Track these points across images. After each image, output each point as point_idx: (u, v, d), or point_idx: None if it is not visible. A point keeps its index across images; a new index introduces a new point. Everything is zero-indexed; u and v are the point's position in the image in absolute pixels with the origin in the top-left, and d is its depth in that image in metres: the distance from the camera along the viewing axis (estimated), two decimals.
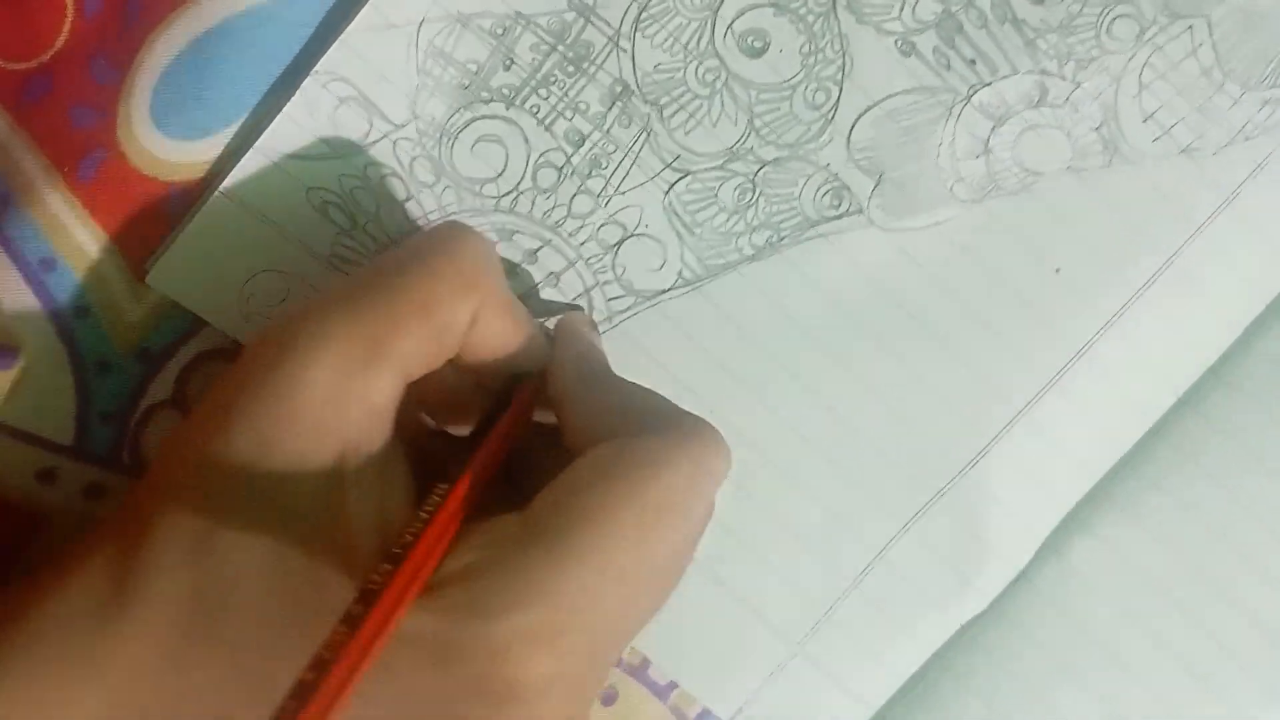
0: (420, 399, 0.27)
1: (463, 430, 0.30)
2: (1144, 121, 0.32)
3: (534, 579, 0.23)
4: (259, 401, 0.24)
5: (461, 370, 0.28)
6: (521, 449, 0.28)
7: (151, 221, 0.29)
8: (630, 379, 0.31)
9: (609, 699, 0.34)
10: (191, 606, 0.23)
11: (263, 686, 0.22)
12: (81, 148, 0.28)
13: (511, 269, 0.31)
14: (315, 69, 0.29)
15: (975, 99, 0.32)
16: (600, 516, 0.23)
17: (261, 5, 0.28)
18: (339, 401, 0.24)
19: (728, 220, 0.31)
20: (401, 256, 0.26)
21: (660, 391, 0.31)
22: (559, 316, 0.31)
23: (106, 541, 0.24)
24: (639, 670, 0.34)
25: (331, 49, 0.29)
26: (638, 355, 0.32)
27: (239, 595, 0.23)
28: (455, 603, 0.23)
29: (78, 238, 0.29)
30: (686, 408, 0.31)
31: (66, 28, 0.28)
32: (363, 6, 0.29)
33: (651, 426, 0.25)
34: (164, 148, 0.29)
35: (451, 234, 0.27)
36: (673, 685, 0.34)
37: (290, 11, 0.29)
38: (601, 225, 0.31)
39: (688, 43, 0.30)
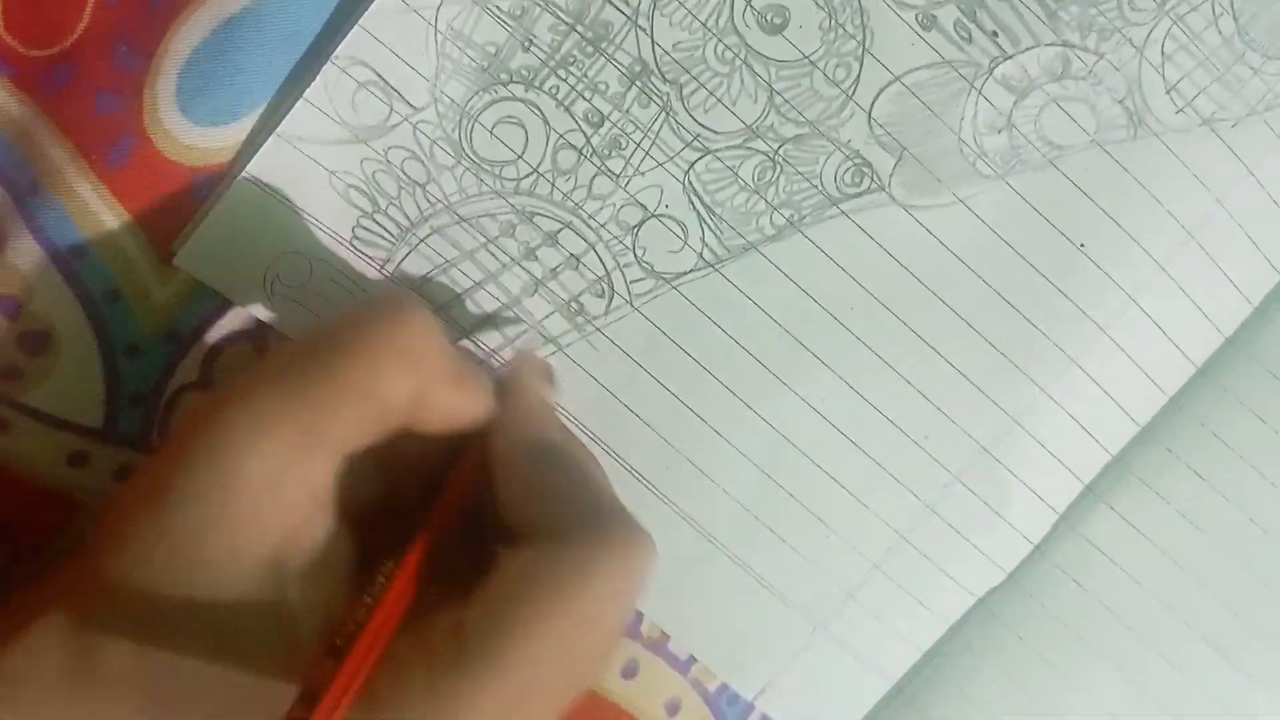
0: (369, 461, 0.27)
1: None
2: (1167, 93, 0.33)
3: (461, 707, 0.23)
4: (194, 491, 0.24)
5: (408, 437, 0.27)
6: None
7: (178, 206, 0.30)
8: (650, 362, 0.32)
9: (629, 672, 0.35)
10: (137, 698, 0.24)
11: None
12: (108, 135, 0.29)
13: (531, 251, 0.32)
14: (335, 54, 0.30)
15: (997, 72, 0.32)
16: (527, 636, 0.24)
17: None
18: (276, 490, 0.24)
19: (748, 199, 0.32)
20: (339, 333, 0.26)
21: (682, 375, 0.33)
22: (511, 360, 0.31)
23: (58, 608, 0.24)
24: (659, 644, 0.35)
25: (351, 33, 0.30)
26: (658, 337, 0.32)
27: (180, 691, 0.24)
28: (390, 712, 0.24)
29: (106, 224, 0.29)
30: (709, 391, 0.33)
31: (87, 13, 0.28)
32: None
33: (581, 524, 0.25)
34: (189, 133, 0.29)
35: (391, 308, 0.26)
36: (692, 659, 0.35)
37: None
38: (622, 206, 0.32)
39: (707, 20, 0.31)
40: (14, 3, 0.28)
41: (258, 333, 0.31)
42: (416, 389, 0.26)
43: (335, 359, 0.25)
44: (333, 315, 0.30)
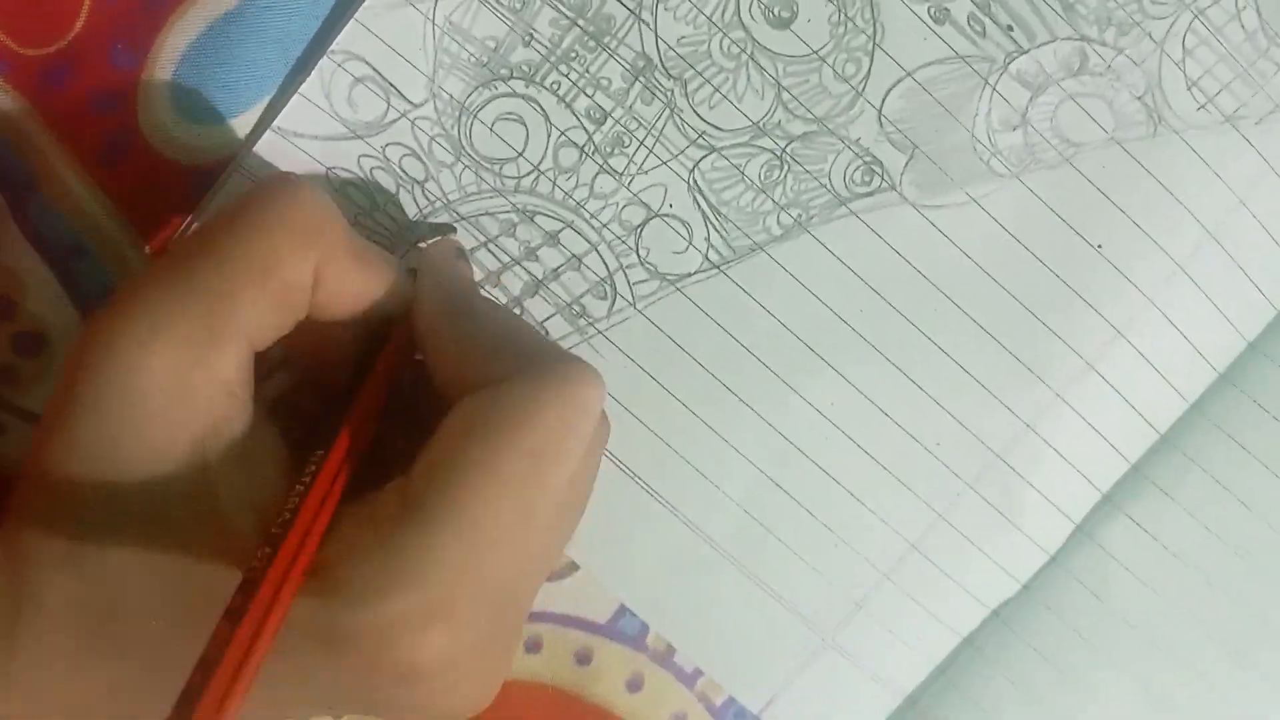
0: (289, 356, 0.28)
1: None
2: (1188, 89, 0.32)
3: (415, 556, 0.23)
4: (100, 402, 0.24)
5: (325, 323, 0.27)
6: (406, 394, 0.28)
7: (176, 206, 0.30)
8: (654, 366, 0.32)
9: (635, 685, 0.35)
10: (80, 617, 0.24)
11: (164, 687, 0.23)
12: (102, 134, 0.29)
13: (532, 251, 0.32)
14: (331, 48, 0.30)
15: (1012, 67, 0.32)
16: (474, 477, 0.23)
17: None
18: (184, 387, 0.24)
19: (755, 199, 0.32)
20: (229, 218, 0.25)
21: (686, 379, 0.32)
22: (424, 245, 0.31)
23: None
24: (665, 657, 0.35)
25: (347, 27, 0.30)
26: (662, 341, 0.32)
27: (124, 600, 0.24)
28: (339, 587, 0.23)
29: (102, 224, 0.29)
30: (714, 396, 0.33)
31: (84, 13, 0.28)
32: None
33: (519, 367, 0.25)
34: (186, 132, 0.30)
35: (281, 186, 0.26)
36: (699, 672, 0.35)
37: None
38: (625, 205, 0.32)
39: (712, 14, 0.31)
40: (11, 2, 0.28)
41: None
42: (316, 266, 0.25)
43: (227, 243, 0.25)
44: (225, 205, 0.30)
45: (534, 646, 0.35)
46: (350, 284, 0.26)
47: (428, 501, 0.23)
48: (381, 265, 0.27)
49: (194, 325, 0.24)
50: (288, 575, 0.23)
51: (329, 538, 0.24)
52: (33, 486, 0.25)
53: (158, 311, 0.24)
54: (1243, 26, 0.32)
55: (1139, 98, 0.32)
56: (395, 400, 0.27)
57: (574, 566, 0.34)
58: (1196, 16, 0.32)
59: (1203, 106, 0.33)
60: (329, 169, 0.30)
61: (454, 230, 0.31)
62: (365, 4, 0.29)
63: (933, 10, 0.31)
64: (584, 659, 0.35)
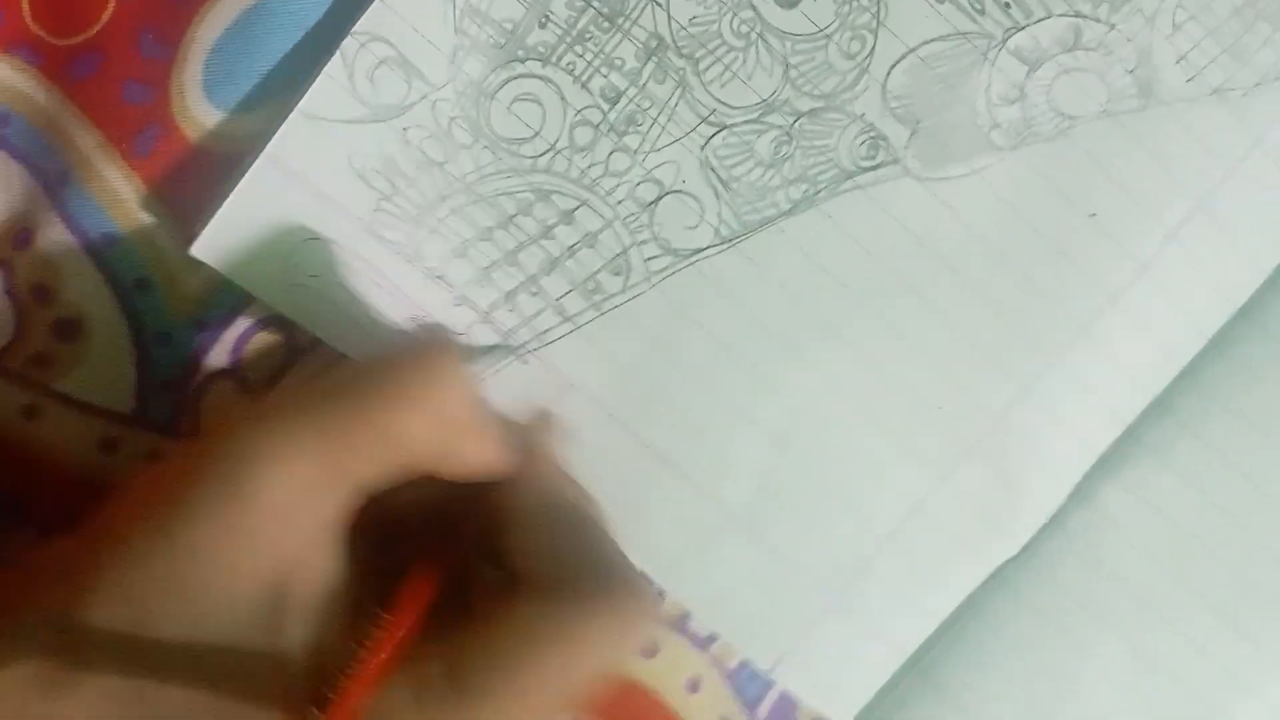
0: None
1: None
2: (1177, 63, 0.35)
3: None
4: (208, 504, 0.25)
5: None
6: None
7: (207, 193, 0.31)
8: (668, 338, 0.34)
9: (649, 652, 0.37)
10: (122, 707, 0.24)
11: None
12: (136, 123, 0.30)
13: (548, 229, 0.33)
14: (354, 29, 0.31)
15: (1010, 43, 0.34)
16: (521, 676, 0.26)
17: None
18: (288, 519, 0.25)
19: (764, 174, 0.34)
20: (374, 374, 0.27)
21: (699, 351, 0.34)
22: (530, 421, 0.33)
23: (48, 595, 0.25)
24: (679, 623, 0.36)
25: (370, 9, 0.31)
26: (676, 315, 0.34)
27: (165, 710, 0.24)
28: None
29: (136, 212, 0.31)
30: (726, 367, 0.35)
31: (112, 2, 0.30)
32: None
33: (590, 581, 0.27)
34: (217, 120, 0.31)
35: (426, 356, 0.28)
36: (712, 638, 0.37)
37: None
38: (639, 183, 0.34)
39: None
40: None
41: (288, 321, 0.33)
42: (441, 441, 0.27)
43: (367, 401, 0.26)
44: (371, 354, 0.32)
45: None
46: (465, 460, 0.28)
47: (475, 692, 0.26)
48: (497, 444, 0.29)
49: (317, 465, 0.25)
50: None
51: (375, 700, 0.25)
52: (110, 553, 0.25)
53: (290, 442, 0.25)
54: (1229, 2, 0.35)
55: (1131, 72, 0.35)
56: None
57: None
58: None
59: (1191, 79, 0.35)
60: (351, 154, 0.32)
61: (512, 354, 0.34)
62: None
63: None
64: None
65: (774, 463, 0.36)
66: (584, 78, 0.33)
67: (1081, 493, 0.37)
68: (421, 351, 0.28)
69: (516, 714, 0.26)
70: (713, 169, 0.34)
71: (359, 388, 0.27)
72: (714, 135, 0.34)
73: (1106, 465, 0.37)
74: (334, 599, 0.27)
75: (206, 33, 0.30)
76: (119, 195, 0.30)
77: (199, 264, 0.32)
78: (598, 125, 0.33)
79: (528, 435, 0.32)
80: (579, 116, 0.33)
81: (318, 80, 0.31)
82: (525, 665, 0.26)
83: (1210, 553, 0.38)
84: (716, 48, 0.33)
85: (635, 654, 0.29)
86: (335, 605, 0.27)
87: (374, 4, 0.31)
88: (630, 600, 0.28)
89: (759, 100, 0.33)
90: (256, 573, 0.25)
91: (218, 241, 0.31)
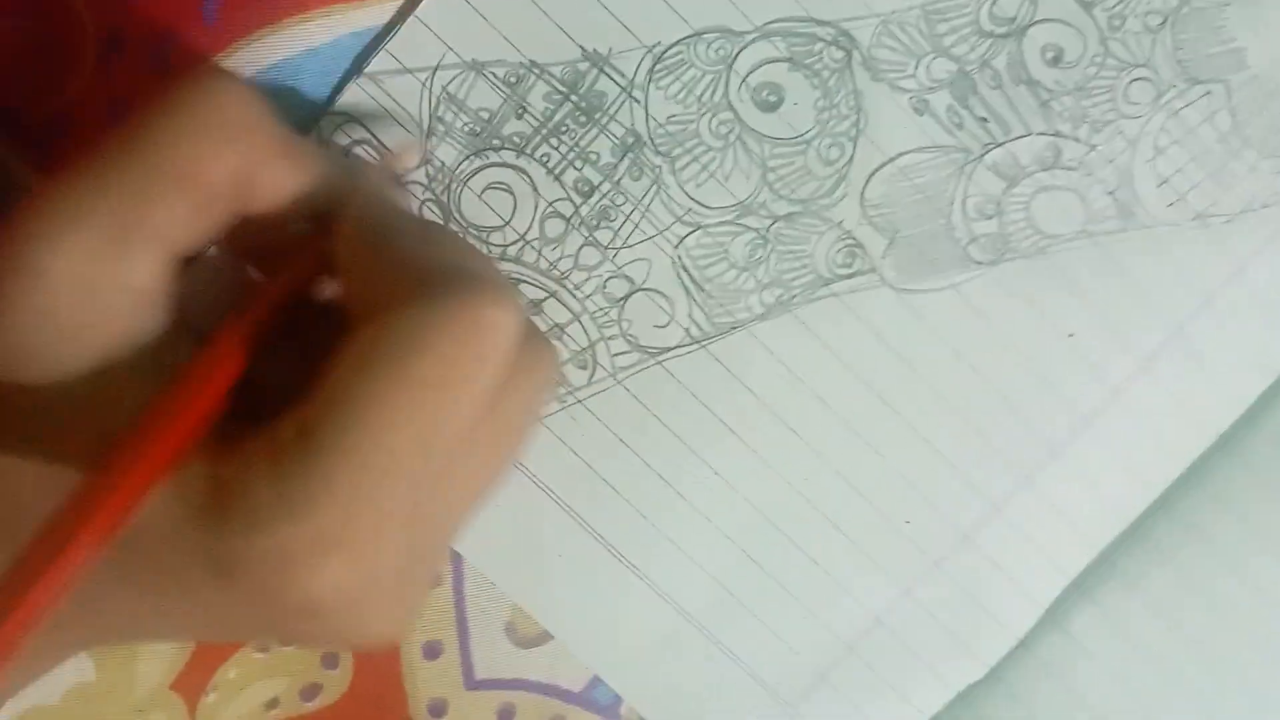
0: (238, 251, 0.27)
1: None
2: (1159, 186, 0.35)
3: (307, 485, 0.23)
4: (6, 301, 0.23)
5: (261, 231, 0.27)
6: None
7: None
8: (632, 436, 0.34)
9: None
10: None
11: None
12: None
13: None
14: (330, 109, 0.32)
15: (988, 158, 0.34)
16: (366, 407, 0.23)
17: (289, 60, 0.31)
18: (91, 291, 0.24)
19: (738, 277, 0.34)
20: (148, 117, 0.25)
21: (663, 450, 0.34)
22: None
23: None
24: None
25: (345, 93, 0.32)
26: (641, 413, 0.34)
27: (23, 510, 0.24)
28: (230, 513, 0.23)
29: None
30: (690, 469, 0.34)
31: (86, 71, 0.31)
32: (379, 53, 0.32)
33: (420, 291, 0.24)
34: None
35: (201, 82, 0.25)
36: None
37: (316, 63, 0.32)
38: (609, 278, 0.34)
39: (702, 95, 0.33)
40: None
41: None
42: (240, 167, 0.25)
43: (144, 141, 0.24)
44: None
45: (507, 714, 0.36)
46: (280, 182, 0.26)
47: (321, 430, 0.23)
48: (316, 164, 0.27)
49: (105, 226, 0.24)
50: (129, 476, 0.23)
51: (227, 466, 0.24)
52: None
53: (71, 209, 0.24)
54: (1215, 128, 0.35)
55: (1111, 193, 0.35)
56: (313, 334, 0.27)
57: (547, 635, 0.36)
58: (1170, 117, 0.35)
59: (1173, 204, 0.35)
60: None
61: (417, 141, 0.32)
62: (365, 70, 0.32)
63: (914, 100, 0.34)
64: None
65: (734, 567, 0.35)
66: (558, 170, 0.33)
67: (1052, 617, 0.37)
68: (198, 77, 0.25)
69: (379, 460, 0.23)
70: (685, 269, 0.34)
71: (133, 131, 0.25)
72: (688, 235, 0.34)
73: (1078, 590, 0.37)
74: (174, 364, 0.25)
75: None
76: None
77: None
78: (569, 218, 0.33)
79: (354, 167, 0.30)
80: (551, 208, 0.33)
81: None
82: (362, 391, 0.23)
83: (1181, 683, 0.37)
84: (694, 147, 0.33)
85: (497, 364, 0.24)
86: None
87: (349, 86, 0.32)
88: (470, 295, 0.24)
89: (735, 202, 0.34)
90: (80, 354, 0.24)
91: None
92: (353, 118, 0.32)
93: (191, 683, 0.35)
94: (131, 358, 0.24)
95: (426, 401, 0.23)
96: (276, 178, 0.26)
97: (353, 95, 0.32)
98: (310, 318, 0.27)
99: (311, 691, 0.36)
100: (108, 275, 0.24)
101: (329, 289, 0.28)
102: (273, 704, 0.35)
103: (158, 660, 0.34)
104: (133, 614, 0.26)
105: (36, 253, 0.23)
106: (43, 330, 0.24)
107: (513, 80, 0.32)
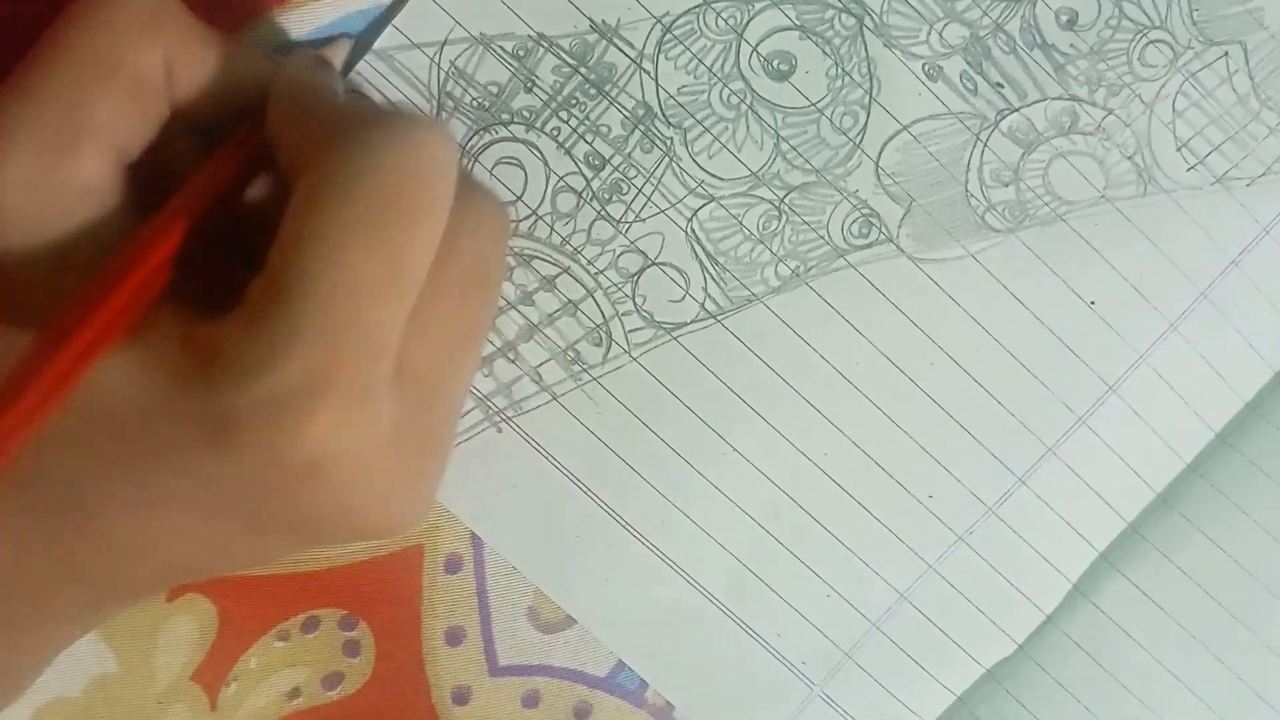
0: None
1: None
2: (1178, 150, 0.35)
3: (285, 326, 0.23)
4: None
5: (194, 124, 0.27)
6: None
7: None
8: (649, 414, 0.34)
9: None
10: None
11: None
12: None
13: (528, 295, 0.33)
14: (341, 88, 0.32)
15: (1004, 124, 0.34)
16: (327, 236, 0.23)
17: (300, 39, 0.31)
18: (42, 192, 0.24)
19: (753, 249, 0.34)
20: (66, 21, 0.25)
21: (681, 428, 0.34)
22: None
23: None
24: (664, 712, 0.36)
25: (357, 67, 0.32)
26: (657, 389, 0.34)
27: None
28: (213, 375, 0.23)
29: None
30: (708, 446, 0.34)
31: None
32: (386, 28, 0.32)
33: (351, 134, 0.24)
34: None
35: None
36: None
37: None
38: (622, 252, 0.34)
39: (712, 65, 0.33)
40: None
41: None
42: (165, 54, 0.25)
43: (69, 44, 0.25)
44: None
45: (532, 700, 0.36)
46: (203, 68, 0.26)
47: (285, 271, 0.23)
48: (235, 46, 0.27)
49: (45, 129, 0.24)
50: (78, 327, 0.23)
51: (205, 328, 0.24)
52: None
53: (10, 118, 0.24)
54: (1234, 90, 0.35)
55: (1129, 157, 0.35)
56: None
57: (571, 620, 0.36)
58: (1188, 79, 0.34)
59: (1193, 167, 0.35)
60: None
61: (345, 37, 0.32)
62: (374, 46, 0.32)
63: (927, 67, 0.34)
64: (583, 713, 0.36)
65: (756, 545, 0.35)
66: (568, 144, 0.33)
67: (1081, 590, 0.36)
68: None
69: (348, 281, 0.23)
70: (699, 242, 0.34)
71: (55, 36, 0.25)
72: (701, 207, 0.34)
73: (1107, 562, 0.36)
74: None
75: None
76: None
77: None
78: (581, 192, 0.33)
79: (277, 58, 0.29)
80: (562, 183, 0.33)
81: None
82: (325, 229, 0.23)
83: (1213, 652, 0.37)
84: (706, 118, 0.33)
85: (441, 186, 0.24)
86: None
87: (360, 62, 0.32)
88: (400, 123, 0.24)
89: (748, 173, 0.34)
90: (36, 257, 0.24)
91: None
92: (361, 94, 0.32)
93: (212, 673, 0.35)
94: (89, 255, 0.25)
95: (379, 220, 0.23)
96: (199, 59, 0.26)
97: (362, 71, 0.32)
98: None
99: (333, 680, 0.36)
100: (55, 172, 0.24)
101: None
102: (294, 693, 0.35)
103: (178, 651, 0.34)
104: (135, 515, 0.25)
105: None
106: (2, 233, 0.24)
107: (521, 53, 0.32)
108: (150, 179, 0.26)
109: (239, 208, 0.27)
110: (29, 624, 0.26)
